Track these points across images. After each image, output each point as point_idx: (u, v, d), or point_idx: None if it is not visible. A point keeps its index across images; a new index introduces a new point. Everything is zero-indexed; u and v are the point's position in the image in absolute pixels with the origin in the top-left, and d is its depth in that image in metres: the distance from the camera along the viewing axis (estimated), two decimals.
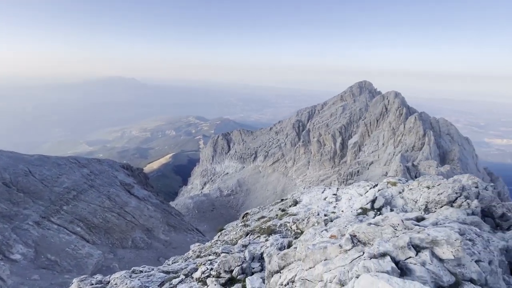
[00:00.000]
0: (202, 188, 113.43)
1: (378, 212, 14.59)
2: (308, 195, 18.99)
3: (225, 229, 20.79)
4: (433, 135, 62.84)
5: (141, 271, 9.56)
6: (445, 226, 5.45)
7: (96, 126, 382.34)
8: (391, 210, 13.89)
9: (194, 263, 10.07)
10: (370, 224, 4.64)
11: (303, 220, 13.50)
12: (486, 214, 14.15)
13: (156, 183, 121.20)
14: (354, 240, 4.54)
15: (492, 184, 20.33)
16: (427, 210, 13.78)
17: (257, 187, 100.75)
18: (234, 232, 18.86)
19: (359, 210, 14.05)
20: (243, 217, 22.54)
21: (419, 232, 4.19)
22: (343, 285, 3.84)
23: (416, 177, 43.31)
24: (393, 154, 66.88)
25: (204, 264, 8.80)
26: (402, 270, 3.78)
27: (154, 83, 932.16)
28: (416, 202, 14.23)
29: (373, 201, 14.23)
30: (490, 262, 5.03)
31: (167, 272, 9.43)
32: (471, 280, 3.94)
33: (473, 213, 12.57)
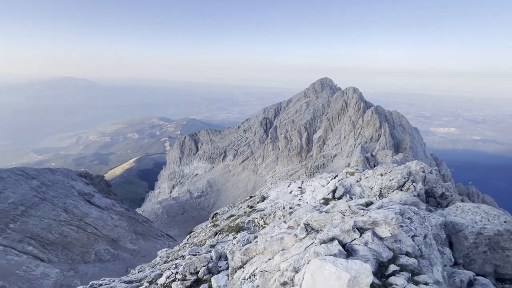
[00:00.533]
0: (171, 191, 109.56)
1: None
2: (275, 190, 19.49)
3: (194, 231, 20.43)
4: (388, 127, 68.39)
5: (101, 285, 9.01)
6: (388, 208, 6.08)
7: (44, 133, 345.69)
8: (350, 198, 14.93)
9: (159, 269, 9.77)
10: (321, 212, 4.98)
11: (270, 214, 13.86)
12: (429, 194, 15.92)
13: (120, 190, 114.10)
14: (308, 228, 4.84)
15: (436, 168, 22.83)
16: (381, 195, 15.04)
17: (228, 186, 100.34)
18: (204, 234, 18.63)
19: (322, 201, 14.85)
20: (212, 218, 22.33)
21: (363, 215, 4.62)
22: (297, 272, 4.09)
23: (374, 166, 46.83)
24: (354, 146, 71.43)
25: (169, 269, 8.60)
26: (348, 252, 4.14)
27: (111, 84, 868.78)
28: (371, 188, 15.46)
29: (334, 191, 15.16)
30: (425, 236, 5.75)
31: (130, 282, 9.02)
32: (407, 253, 4.49)
33: (418, 195, 14.05)
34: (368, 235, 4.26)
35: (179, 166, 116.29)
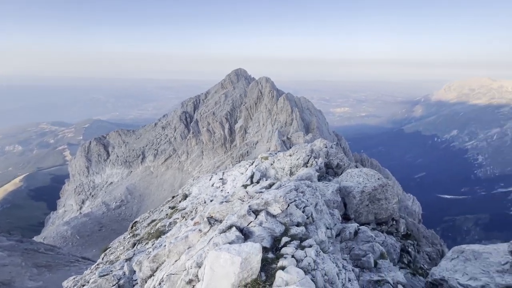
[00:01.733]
0: (80, 207, 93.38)
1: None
2: (197, 186, 19.15)
3: (110, 247, 18.11)
4: (298, 111, 76.28)
5: None
6: (285, 186, 6.84)
7: None
8: (267, 180, 16.17)
9: None
10: (222, 202, 5.15)
11: (191, 212, 13.57)
12: (328, 166, 18.72)
13: (5, 219, 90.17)
14: (212, 221, 4.94)
15: (335, 143, 26.99)
16: (291, 173, 16.80)
17: (152, 189, 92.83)
18: (122, 247, 16.78)
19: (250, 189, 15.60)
20: (132, 227, 20.25)
21: (257, 199, 5.02)
22: (200, 266, 4.13)
23: (290, 147, 51.60)
24: (272, 132, 76.96)
25: None
26: (246, 235, 4.46)
27: None
28: (283, 169, 17.04)
29: (252, 177, 16.02)
30: (316, 204, 6.81)
31: None
32: (297, 224, 5.20)
33: (319, 168, 16.30)
34: (262, 216, 4.67)
35: (87, 177, 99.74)
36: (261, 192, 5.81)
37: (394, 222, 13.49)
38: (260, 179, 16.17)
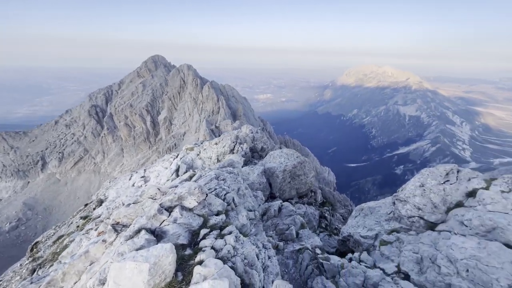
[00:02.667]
0: None
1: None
2: (115, 188, 16.82)
3: (1, 280, 14.33)
4: (224, 99, 75.87)
5: None
6: (206, 176, 6.61)
7: None
8: (194, 172, 15.58)
9: None
10: (129, 204, 4.53)
11: (108, 219, 11.89)
12: (254, 150, 19.35)
13: None
14: (118, 227, 4.29)
15: (261, 128, 28.02)
16: (219, 161, 16.69)
17: (61, 200, 78.22)
18: (19, 277, 13.52)
19: (167, 184, 14.54)
20: (31, 250, 16.47)
21: (170, 194, 4.61)
22: (104, 283, 3.51)
23: (220, 136, 51.22)
24: (200, 121, 74.66)
25: None
26: (159, 236, 4.04)
27: None
28: (210, 158, 16.66)
29: (177, 170, 15.09)
30: (238, 189, 6.89)
31: None
32: (217, 213, 5.10)
33: (245, 154, 16.65)
34: (176, 212, 4.32)
35: None
36: (176, 186, 5.38)
37: (313, 194, 15.13)
38: (186, 172, 15.42)
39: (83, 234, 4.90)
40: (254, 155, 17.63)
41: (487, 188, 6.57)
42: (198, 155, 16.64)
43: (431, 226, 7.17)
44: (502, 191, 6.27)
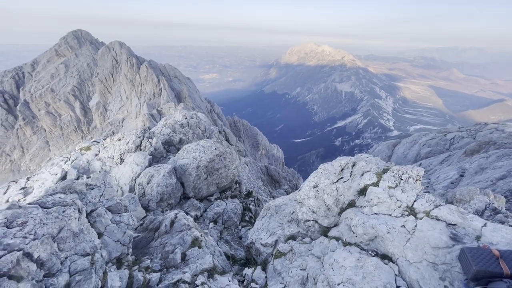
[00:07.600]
0: None
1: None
2: None
3: None
4: (165, 80, 71.09)
5: None
6: None
7: None
8: (88, 178, 12.91)
9: None
10: None
11: None
12: (169, 144, 16.61)
13: None
14: None
15: (195, 112, 26.32)
16: (122, 161, 14.55)
17: None
18: None
19: (48, 198, 12.08)
20: None
21: None
22: None
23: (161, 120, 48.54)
24: (140, 105, 69.08)
25: None
26: None
27: None
28: (112, 158, 14.44)
29: (63, 179, 12.80)
30: (60, 231, 4.86)
31: None
32: None
33: (155, 149, 14.54)
34: None
35: None
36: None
37: (238, 185, 14.22)
38: (77, 179, 12.84)
39: None
40: (171, 148, 15.81)
41: (376, 184, 6.06)
42: (97, 155, 14.50)
43: (325, 230, 6.63)
44: (390, 187, 5.81)
